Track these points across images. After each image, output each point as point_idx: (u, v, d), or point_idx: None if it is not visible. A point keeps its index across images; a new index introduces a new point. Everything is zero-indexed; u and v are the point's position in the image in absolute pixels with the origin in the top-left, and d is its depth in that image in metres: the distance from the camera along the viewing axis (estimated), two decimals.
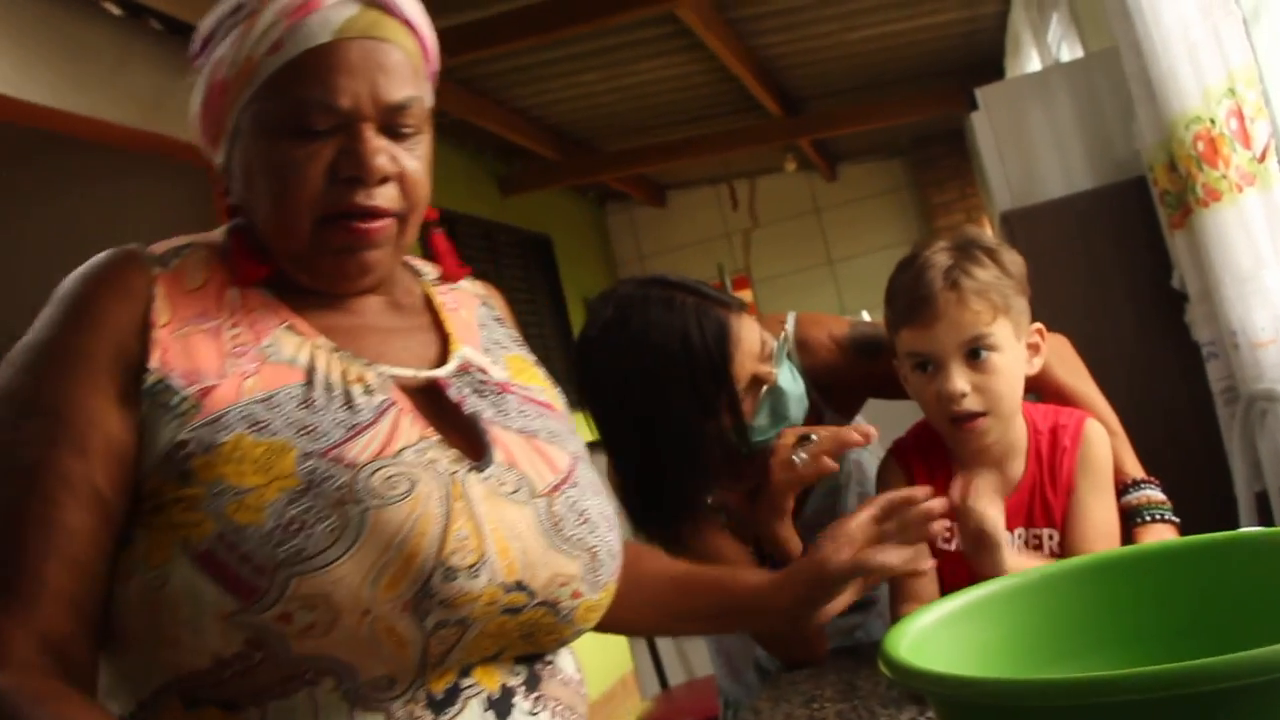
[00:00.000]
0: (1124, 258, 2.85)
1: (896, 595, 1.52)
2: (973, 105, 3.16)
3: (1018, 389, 1.45)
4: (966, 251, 1.44)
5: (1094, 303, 2.81)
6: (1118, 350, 2.78)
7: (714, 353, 1.45)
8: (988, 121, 3.12)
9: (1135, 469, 1.52)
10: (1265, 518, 2.42)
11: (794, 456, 1.51)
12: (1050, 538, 1.45)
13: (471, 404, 1.03)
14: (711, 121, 6.39)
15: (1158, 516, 1.46)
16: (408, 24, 1.03)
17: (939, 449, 1.53)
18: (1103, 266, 2.84)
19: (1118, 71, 2.97)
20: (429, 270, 1.21)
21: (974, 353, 1.41)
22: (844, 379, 1.69)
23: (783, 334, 1.61)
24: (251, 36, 0.98)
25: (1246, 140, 2.05)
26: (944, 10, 5.18)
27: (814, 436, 1.52)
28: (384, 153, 0.99)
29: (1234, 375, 2.43)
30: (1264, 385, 2.22)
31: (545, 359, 5.02)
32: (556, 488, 1.01)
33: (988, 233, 1.57)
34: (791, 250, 7.89)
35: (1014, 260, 1.47)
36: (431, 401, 1.02)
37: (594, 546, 1.01)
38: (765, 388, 1.50)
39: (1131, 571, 0.97)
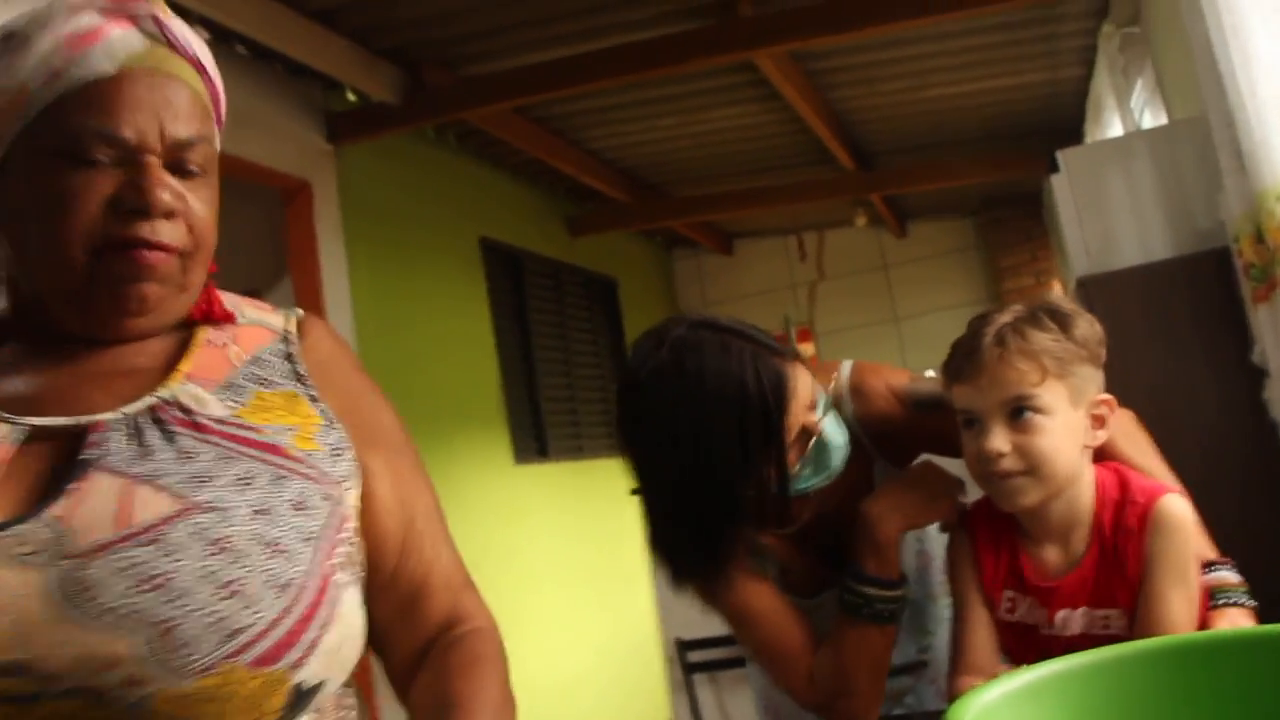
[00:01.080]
0: (1203, 329, 2.78)
1: (956, 666, 1.46)
2: (1052, 168, 3.11)
3: (1068, 456, 1.39)
4: (1032, 315, 1.41)
5: (1170, 374, 2.74)
6: (1193, 424, 2.71)
7: (770, 403, 1.41)
8: (1068, 184, 3.08)
9: (1207, 549, 1.45)
10: None
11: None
12: (1119, 617, 1.39)
13: (113, 446, 0.91)
14: (783, 172, 6.36)
15: (1233, 600, 1.39)
16: (196, 64, 1.00)
17: (1005, 518, 1.48)
18: (1180, 337, 2.77)
19: (1202, 140, 2.91)
20: (250, 311, 1.12)
21: (1017, 411, 1.37)
22: (897, 429, 1.64)
23: (832, 383, 1.58)
24: (25, 65, 0.94)
25: None
26: (1025, 71, 5.13)
27: None
28: (169, 188, 0.95)
29: None
30: None
31: (603, 401, 5.01)
32: (106, 546, 0.84)
33: (1068, 300, 1.53)
34: (857, 305, 7.81)
35: (1088, 328, 1.42)
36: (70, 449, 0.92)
37: (169, 620, 0.82)
38: (814, 439, 1.47)
39: (1209, 658, 0.91)
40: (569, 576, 5.70)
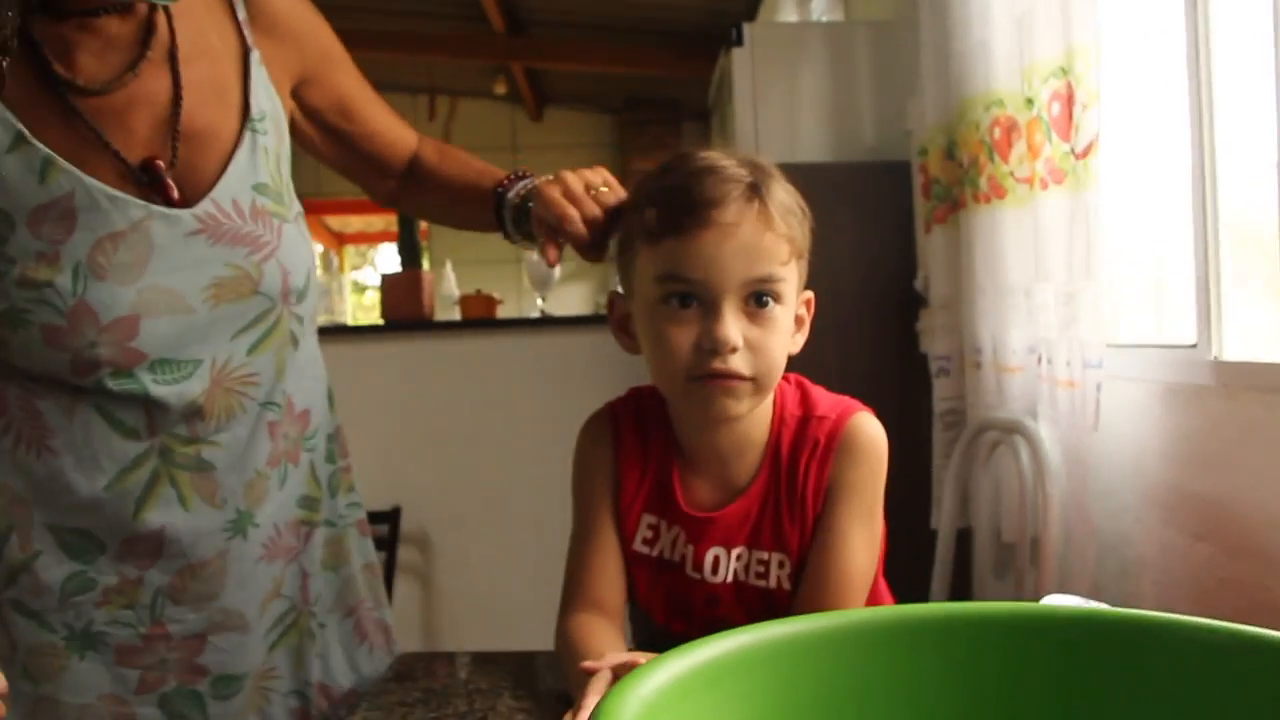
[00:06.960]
0: (867, 246, 2.56)
1: (571, 600, 1.11)
2: (737, 42, 2.80)
3: (783, 362, 1.03)
4: (765, 169, 1.02)
5: (822, 289, 2.50)
6: (838, 348, 2.49)
7: None
8: (750, 61, 2.78)
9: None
10: (961, 558, 2.18)
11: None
12: (780, 565, 1.07)
13: None
14: (426, 19, 5.85)
15: None
16: None
17: (658, 423, 1.12)
18: (841, 252, 2.53)
19: (882, 46, 2.75)
20: None
21: (759, 297, 0.98)
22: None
23: None
24: None
25: (1068, 131, 1.73)
26: None
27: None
28: None
29: (964, 398, 2.17)
30: (1003, 415, 1.96)
31: None
32: None
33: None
34: None
35: (805, 205, 1.06)
36: None
37: None
38: None
39: (935, 637, 0.65)
40: None
